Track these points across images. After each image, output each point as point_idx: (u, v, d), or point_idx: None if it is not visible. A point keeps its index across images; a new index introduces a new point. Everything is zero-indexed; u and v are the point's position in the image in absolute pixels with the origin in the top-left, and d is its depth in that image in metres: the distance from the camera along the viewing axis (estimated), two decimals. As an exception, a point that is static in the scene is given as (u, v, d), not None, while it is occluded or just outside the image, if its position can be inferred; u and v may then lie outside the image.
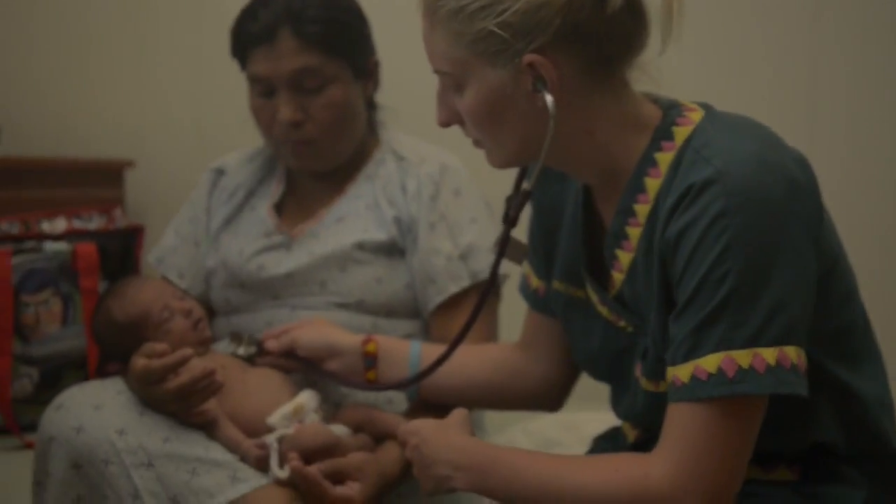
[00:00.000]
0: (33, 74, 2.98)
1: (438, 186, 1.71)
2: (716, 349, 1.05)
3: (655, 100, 1.20)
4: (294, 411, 1.52)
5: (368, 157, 1.78)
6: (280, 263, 1.72)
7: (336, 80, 1.68)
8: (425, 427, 1.24)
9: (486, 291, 1.30)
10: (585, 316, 1.30)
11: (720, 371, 1.05)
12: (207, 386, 1.48)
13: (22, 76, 2.98)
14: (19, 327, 2.08)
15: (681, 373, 1.08)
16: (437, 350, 1.45)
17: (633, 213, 1.17)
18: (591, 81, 1.14)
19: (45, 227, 2.22)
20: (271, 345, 1.60)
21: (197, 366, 1.48)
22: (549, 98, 1.12)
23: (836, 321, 1.16)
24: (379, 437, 1.53)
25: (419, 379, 1.43)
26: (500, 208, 1.78)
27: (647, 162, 1.16)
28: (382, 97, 1.83)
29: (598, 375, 1.34)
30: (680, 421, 1.07)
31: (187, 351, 1.48)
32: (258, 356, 1.61)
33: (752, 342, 1.05)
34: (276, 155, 1.80)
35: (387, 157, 1.77)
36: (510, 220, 1.25)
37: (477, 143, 1.21)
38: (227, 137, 1.95)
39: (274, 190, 1.81)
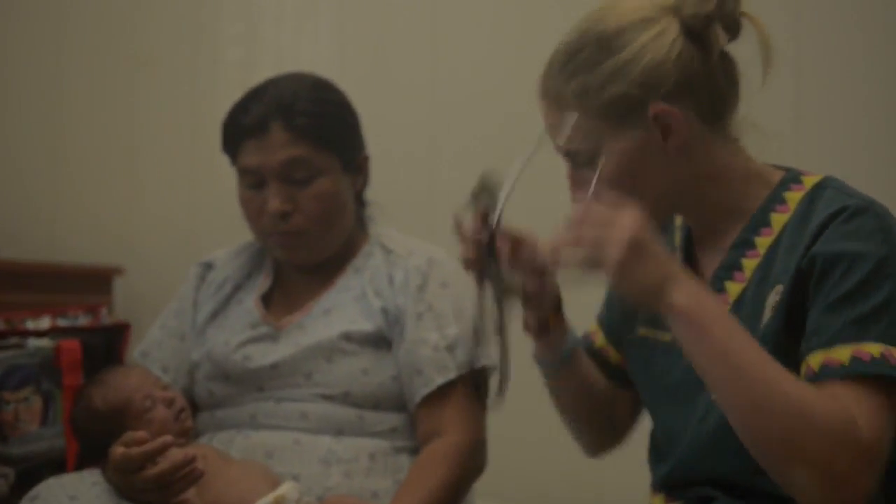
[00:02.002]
0: (24, 181, 3.01)
1: (426, 278, 1.71)
2: (877, 341, 1.12)
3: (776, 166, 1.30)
4: (275, 502, 1.48)
5: (357, 251, 1.78)
6: (266, 354, 1.70)
7: (325, 173, 1.70)
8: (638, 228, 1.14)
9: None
10: (669, 355, 1.30)
11: (883, 357, 1.11)
12: (188, 474, 1.45)
13: (13, 182, 3.00)
14: (-2, 425, 2.04)
15: (839, 354, 1.12)
16: None
17: (752, 246, 1.24)
18: (708, 129, 1.23)
19: (30, 325, 2.20)
20: None
21: (177, 453, 1.45)
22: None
23: None
24: (362, 529, 1.50)
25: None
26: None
27: (776, 200, 1.24)
28: (372, 194, 1.85)
29: (663, 414, 1.34)
30: (844, 395, 1.11)
31: (167, 438, 1.46)
32: None
33: None
34: (264, 247, 1.80)
35: (374, 249, 1.77)
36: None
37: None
38: (217, 245, 1.96)
39: (261, 283, 1.80)
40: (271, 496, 1.49)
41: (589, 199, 1.20)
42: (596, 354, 1.48)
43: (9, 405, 2.05)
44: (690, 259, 1.33)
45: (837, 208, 1.17)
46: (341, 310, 1.71)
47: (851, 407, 1.09)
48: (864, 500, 1.09)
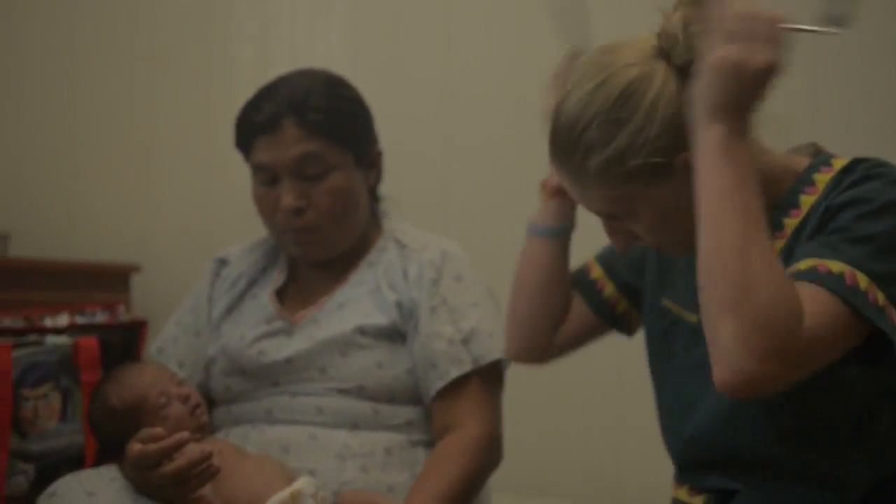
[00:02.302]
0: (40, 180, 3.02)
1: (440, 271, 1.71)
2: (845, 261, 1.11)
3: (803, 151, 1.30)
4: (291, 497, 1.49)
5: (371, 246, 1.79)
6: (281, 349, 1.71)
7: (338, 168, 1.70)
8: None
9: None
10: (694, 335, 1.31)
11: (841, 275, 1.10)
12: (204, 470, 1.46)
13: (30, 182, 3.02)
14: (17, 422, 2.05)
15: (802, 265, 1.13)
16: None
17: (781, 227, 1.24)
18: None
19: (48, 322, 2.22)
20: None
21: (194, 449, 1.46)
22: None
23: None
24: (378, 523, 1.50)
25: None
26: (501, 293, 1.79)
27: (805, 182, 1.24)
28: (385, 189, 1.85)
29: (674, 386, 1.35)
30: (800, 293, 1.10)
31: (184, 434, 1.47)
32: None
33: (877, 280, 1.11)
34: (278, 244, 1.81)
35: (388, 244, 1.78)
36: None
37: (660, 247, 1.28)
38: (233, 242, 1.96)
39: (276, 278, 1.81)
40: (287, 491, 1.50)
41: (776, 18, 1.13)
42: (587, 284, 1.50)
43: (28, 402, 2.06)
44: None
45: (862, 176, 1.18)
46: (355, 304, 1.72)
47: (805, 303, 1.09)
48: (765, 391, 1.08)
